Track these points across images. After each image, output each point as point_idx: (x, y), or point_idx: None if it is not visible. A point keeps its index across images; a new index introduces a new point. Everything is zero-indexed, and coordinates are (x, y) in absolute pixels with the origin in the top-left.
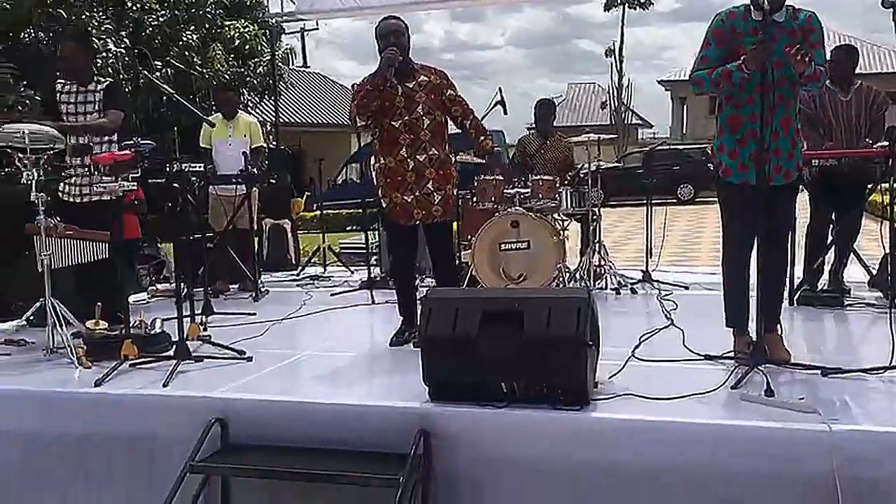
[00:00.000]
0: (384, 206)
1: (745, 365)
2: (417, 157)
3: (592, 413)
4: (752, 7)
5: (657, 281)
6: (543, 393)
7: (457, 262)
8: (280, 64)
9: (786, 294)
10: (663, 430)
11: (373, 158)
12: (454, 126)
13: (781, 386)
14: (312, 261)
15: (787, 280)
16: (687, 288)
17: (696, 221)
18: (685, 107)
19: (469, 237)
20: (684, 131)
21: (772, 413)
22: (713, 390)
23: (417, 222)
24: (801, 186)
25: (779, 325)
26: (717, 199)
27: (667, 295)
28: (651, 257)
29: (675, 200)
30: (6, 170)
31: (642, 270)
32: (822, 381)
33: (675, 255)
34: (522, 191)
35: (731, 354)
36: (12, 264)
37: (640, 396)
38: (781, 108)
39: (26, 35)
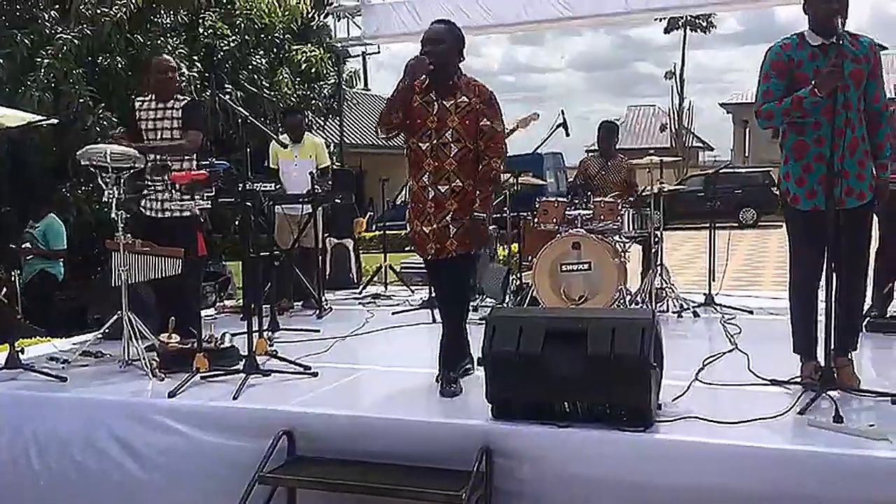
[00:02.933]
0: (408, 232)
1: (812, 390)
2: (439, 186)
3: (655, 434)
4: (805, 34)
5: (720, 305)
6: (606, 413)
7: (468, 303)
8: (344, 87)
9: None
10: (728, 454)
11: None
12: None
13: (850, 412)
14: (374, 280)
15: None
16: (751, 312)
17: (758, 246)
18: (748, 130)
19: (530, 258)
20: (747, 154)
21: (840, 439)
22: (780, 415)
23: (429, 257)
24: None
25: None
26: (783, 224)
27: (730, 319)
28: (713, 281)
29: (736, 224)
30: (84, 188)
31: (705, 294)
32: (892, 408)
33: (737, 279)
34: (584, 212)
35: (798, 380)
36: (91, 278)
37: (703, 419)
38: (848, 130)
39: (105, 59)
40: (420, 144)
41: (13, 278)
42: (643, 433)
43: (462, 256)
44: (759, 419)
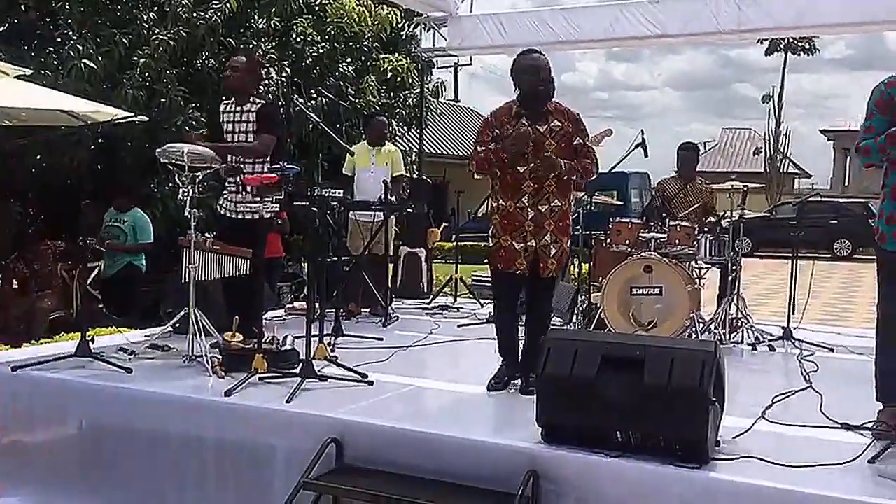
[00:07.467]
0: (490, 245)
1: (885, 438)
2: (539, 206)
3: (710, 473)
4: None
5: (798, 339)
6: (660, 446)
7: (550, 320)
8: (429, 97)
9: None
10: (786, 500)
11: (490, 197)
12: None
13: None
14: (444, 291)
15: None
16: (832, 350)
17: (852, 280)
18: (849, 158)
19: (600, 279)
20: (847, 184)
21: None
22: (847, 462)
23: (518, 272)
24: None
25: None
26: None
27: (808, 355)
28: (794, 314)
29: (829, 256)
30: (170, 185)
31: (782, 327)
32: None
33: (825, 312)
34: (658, 235)
35: (871, 425)
36: (169, 273)
37: (764, 461)
38: None
39: (198, 61)
40: (518, 168)
41: (96, 268)
42: (697, 470)
43: (554, 278)
44: (825, 465)
